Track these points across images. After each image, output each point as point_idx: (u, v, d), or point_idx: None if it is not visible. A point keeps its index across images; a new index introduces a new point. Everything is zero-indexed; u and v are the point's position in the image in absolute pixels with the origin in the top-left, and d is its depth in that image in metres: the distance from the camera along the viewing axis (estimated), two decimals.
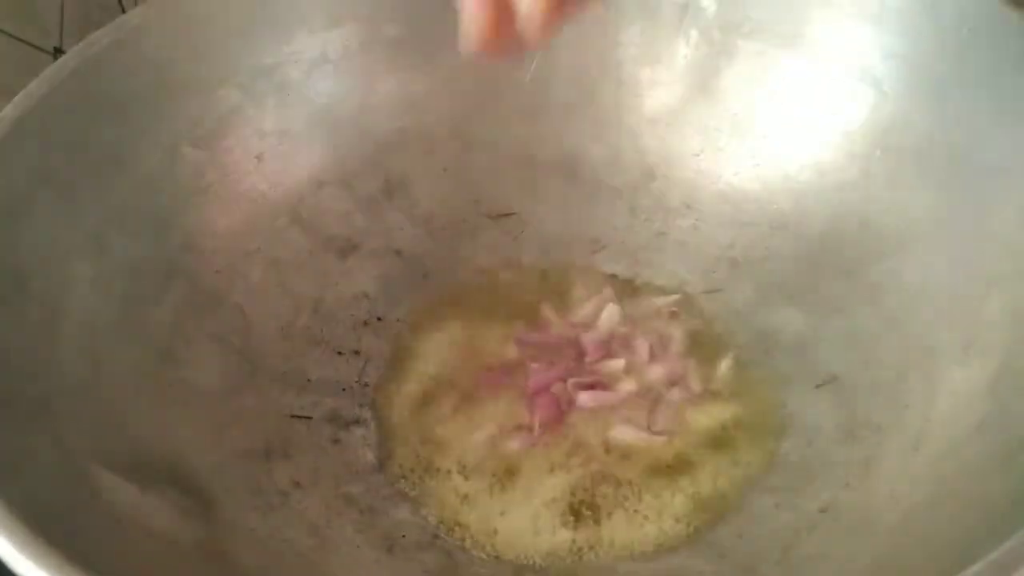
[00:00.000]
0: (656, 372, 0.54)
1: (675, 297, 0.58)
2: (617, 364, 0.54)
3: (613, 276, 0.59)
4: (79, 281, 0.48)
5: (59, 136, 0.49)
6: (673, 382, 0.54)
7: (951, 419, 0.45)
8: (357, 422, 0.53)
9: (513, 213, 0.61)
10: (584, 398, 0.53)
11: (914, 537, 0.41)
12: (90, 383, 0.46)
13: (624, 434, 0.52)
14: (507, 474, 0.51)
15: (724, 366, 0.54)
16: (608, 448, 0.51)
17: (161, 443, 0.46)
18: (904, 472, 0.45)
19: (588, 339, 0.56)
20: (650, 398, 0.53)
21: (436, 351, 0.56)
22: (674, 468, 0.50)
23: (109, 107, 0.52)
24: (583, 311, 0.57)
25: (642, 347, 0.55)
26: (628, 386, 0.54)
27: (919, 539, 0.41)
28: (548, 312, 0.58)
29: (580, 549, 0.48)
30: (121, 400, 0.46)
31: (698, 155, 0.60)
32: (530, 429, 0.52)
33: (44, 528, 0.35)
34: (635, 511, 0.49)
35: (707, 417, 0.52)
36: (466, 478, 0.51)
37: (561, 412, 0.53)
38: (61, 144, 0.49)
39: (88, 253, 0.49)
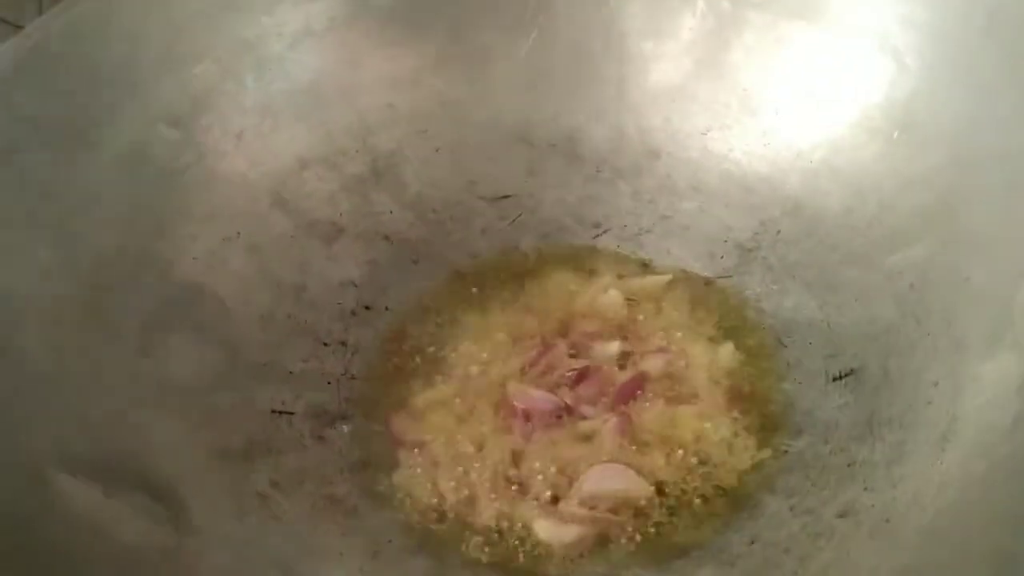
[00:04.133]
0: (657, 362, 0.52)
1: (667, 277, 0.55)
2: (613, 351, 0.52)
3: (614, 262, 0.57)
4: (43, 268, 0.46)
5: (21, 115, 0.47)
6: (674, 372, 0.51)
7: (980, 417, 0.42)
8: (343, 417, 0.51)
9: (509, 195, 0.59)
10: (578, 391, 0.50)
11: (943, 545, 0.39)
12: (52, 378, 0.43)
13: (617, 432, 0.49)
14: (502, 471, 0.48)
15: (728, 353, 0.52)
16: (603, 444, 0.49)
17: (128, 443, 0.44)
18: (930, 474, 0.42)
19: (584, 328, 0.53)
20: (649, 389, 0.51)
21: (427, 342, 0.54)
22: (678, 466, 0.48)
23: (76, 84, 0.50)
24: (582, 298, 0.55)
25: (644, 336, 0.53)
26: (624, 376, 0.51)
27: (948, 547, 0.39)
28: (545, 300, 0.55)
29: (579, 553, 0.46)
30: (86, 397, 0.44)
31: (705, 133, 0.58)
32: (526, 423, 0.50)
33: None
34: (640, 514, 0.46)
35: (712, 411, 0.50)
36: (460, 477, 0.48)
37: (557, 406, 0.50)
38: (23, 123, 0.47)
39: (53, 238, 0.47)
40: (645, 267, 0.57)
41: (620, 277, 0.56)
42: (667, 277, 0.56)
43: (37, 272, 0.45)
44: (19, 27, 0.52)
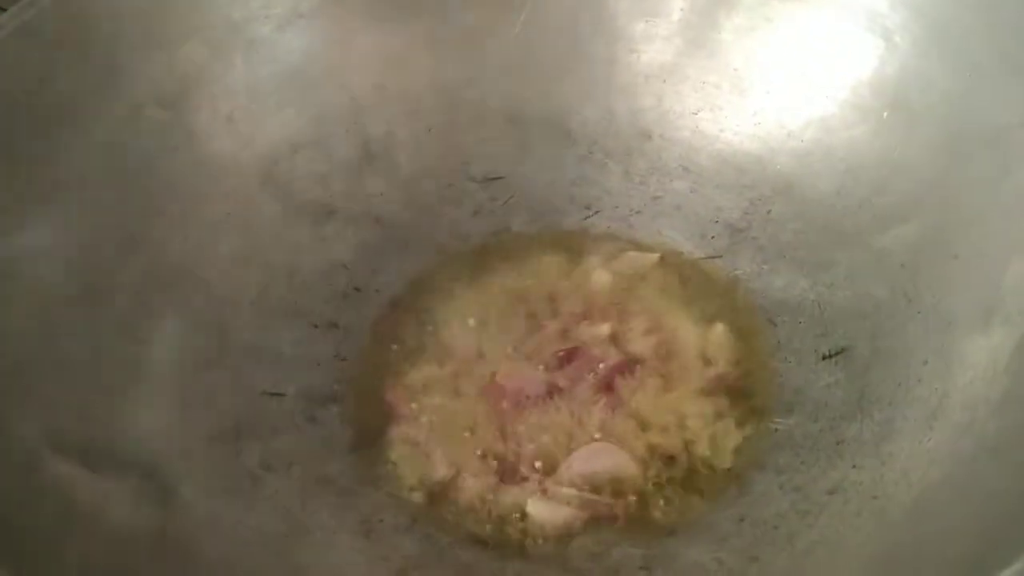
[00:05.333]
0: (647, 342, 0.52)
1: (656, 255, 0.55)
2: (603, 332, 0.52)
3: (605, 243, 0.57)
4: (31, 250, 0.45)
5: (6, 97, 0.46)
6: (664, 352, 0.51)
7: (970, 394, 0.42)
8: (334, 399, 0.51)
9: (500, 177, 0.59)
10: (567, 372, 0.50)
11: (930, 522, 0.39)
12: (42, 360, 0.43)
13: (606, 412, 0.49)
14: (493, 451, 0.48)
15: (718, 333, 0.52)
16: (593, 424, 0.49)
17: (119, 425, 0.44)
18: (918, 451, 0.42)
19: (575, 308, 0.53)
20: (638, 369, 0.50)
21: (418, 323, 0.54)
22: (667, 446, 0.48)
23: (63, 65, 0.49)
24: (572, 279, 0.55)
25: (634, 316, 0.53)
26: (614, 356, 0.51)
27: (936, 525, 0.39)
28: (536, 281, 0.55)
29: (570, 532, 0.46)
30: (76, 378, 0.44)
31: (696, 114, 0.58)
32: (517, 403, 0.49)
33: None
34: (630, 494, 0.46)
35: (703, 391, 0.50)
36: (452, 456, 0.48)
37: (547, 386, 0.50)
38: (9, 105, 0.46)
39: (41, 220, 0.46)
40: (636, 248, 0.56)
41: (610, 258, 0.55)
42: (656, 256, 0.55)
43: (25, 254, 0.45)
44: (2, 9, 0.52)
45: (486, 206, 0.58)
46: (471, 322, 0.53)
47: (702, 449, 0.47)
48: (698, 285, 0.54)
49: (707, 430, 0.48)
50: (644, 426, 0.48)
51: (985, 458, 0.39)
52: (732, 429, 0.48)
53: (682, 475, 0.47)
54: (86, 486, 0.40)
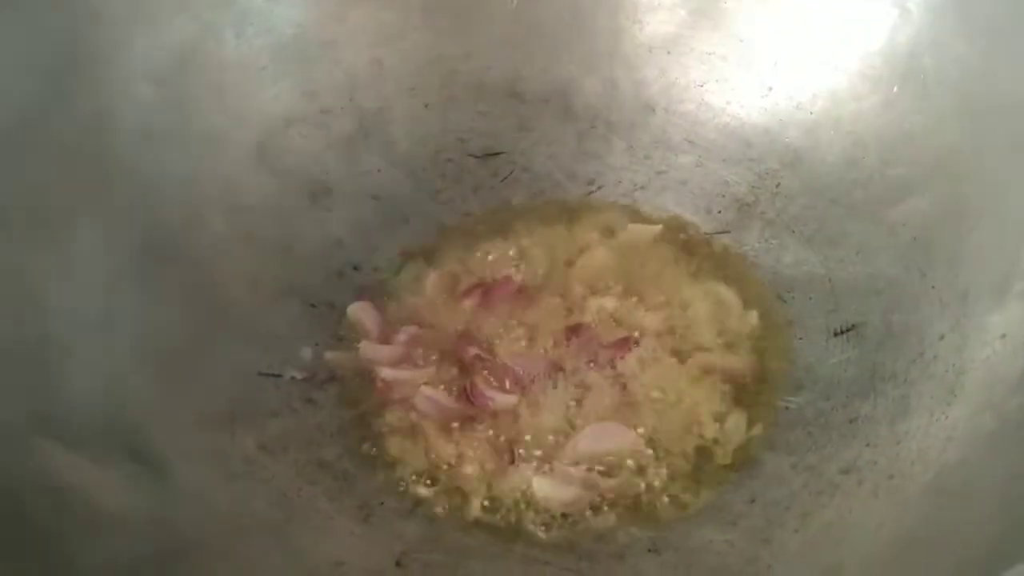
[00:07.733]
0: (653, 318, 0.50)
1: (658, 227, 0.54)
2: (608, 307, 0.51)
3: (609, 219, 0.55)
4: (14, 229, 0.44)
5: None
6: (670, 328, 0.50)
7: (989, 370, 0.41)
8: (332, 379, 0.50)
9: (501, 152, 0.58)
10: (572, 349, 0.49)
11: (950, 502, 0.38)
12: (28, 343, 0.42)
13: (612, 390, 0.48)
14: (497, 431, 0.47)
15: (726, 309, 0.51)
16: (598, 402, 0.48)
17: (111, 408, 0.43)
18: (936, 429, 0.41)
19: (579, 285, 0.52)
20: (644, 345, 0.49)
21: (417, 302, 0.53)
22: (676, 426, 0.47)
23: (48, 39, 0.47)
24: (576, 255, 0.54)
25: (640, 293, 0.52)
26: (619, 332, 0.50)
27: (955, 504, 0.38)
28: (539, 258, 0.54)
29: (576, 514, 0.45)
30: (65, 361, 0.42)
31: (701, 86, 0.57)
32: (520, 382, 0.48)
33: None
34: (637, 474, 0.45)
35: (710, 368, 0.48)
36: (453, 437, 0.47)
37: (551, 365, 0.49)
38: None
39: (25, 199, 0.45)
40: (640, 222, 0.55)
41: (614, 233, 0.54)
42: (658, 227, 0.54)
43: (10, 235, 0.43)
44: None
45: (486, 182, 0.57)
46: (473, 300, 0.52)
47: (711, 429, 0.46)
48: (704, 261, 0.53)
49: (714, 408, 0.47)
50: (651, 404, 0.47)
51: (1006, 436, 0.38)
52: (740, 407, 0.47)
53: (691, 455, 0.46)
54: (77, 472, 0.39)
